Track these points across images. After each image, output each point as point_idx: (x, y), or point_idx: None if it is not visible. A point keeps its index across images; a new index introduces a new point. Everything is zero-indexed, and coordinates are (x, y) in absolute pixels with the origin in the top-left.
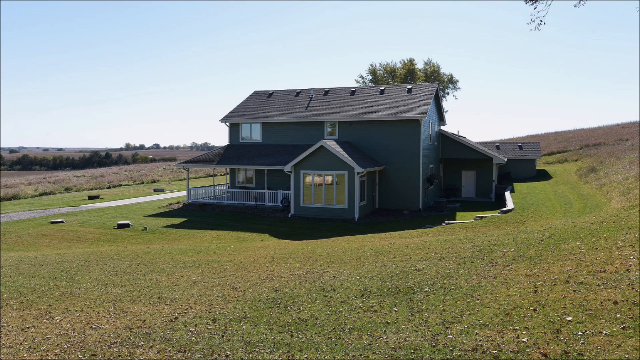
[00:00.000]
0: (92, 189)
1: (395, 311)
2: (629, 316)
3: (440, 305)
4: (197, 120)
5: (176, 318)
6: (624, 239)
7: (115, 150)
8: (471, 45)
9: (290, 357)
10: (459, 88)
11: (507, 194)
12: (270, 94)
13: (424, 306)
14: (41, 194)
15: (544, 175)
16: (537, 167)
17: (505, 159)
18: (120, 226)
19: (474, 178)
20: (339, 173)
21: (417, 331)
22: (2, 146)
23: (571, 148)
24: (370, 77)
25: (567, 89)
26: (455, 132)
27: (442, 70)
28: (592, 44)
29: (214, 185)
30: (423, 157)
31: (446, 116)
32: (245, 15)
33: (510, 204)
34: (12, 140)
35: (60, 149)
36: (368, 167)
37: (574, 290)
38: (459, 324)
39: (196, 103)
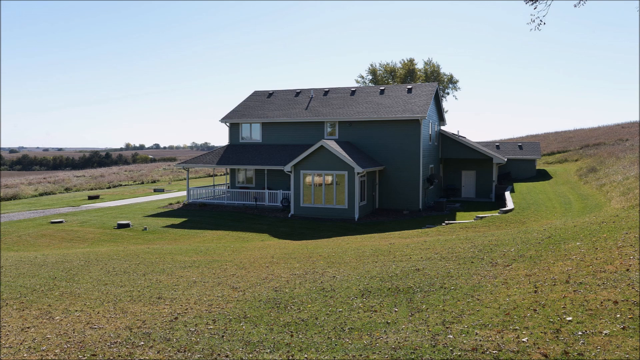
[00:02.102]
0: (92, 189)
1: (395, 311)
2: (629, 316)
3: (440, 305)
4: (197, 120)
5: (176, 318)
6: (624, 239)
7: (115, 150)
8: (471, 45)
9: (290, 357)
10: (459, 88)
11: (507, 194)
12: (270, 94)
13: (424, 306)
14: (41, 194)
15: (544, 175)
16: (537, 167)
17: (505, 159)
18: (120, 226)
19: (474, 178)
20: (339, 173)
21: (417, 331)
22: (2, 146)
23: (571, 148)
24: (370, 77)
25: (567, 89)
26: (455, 132)
27: (442, 70)
28: (592, 44)
29: (214, 185)
30: (423, 157)
31: (446, 116)
32: (245, 15)
33: (510, 204)
34: (12, 140)
35: (60, 149)
36: (368, 167)
37: (574, 290)
38: (459, 324)
39: (196, 103)
